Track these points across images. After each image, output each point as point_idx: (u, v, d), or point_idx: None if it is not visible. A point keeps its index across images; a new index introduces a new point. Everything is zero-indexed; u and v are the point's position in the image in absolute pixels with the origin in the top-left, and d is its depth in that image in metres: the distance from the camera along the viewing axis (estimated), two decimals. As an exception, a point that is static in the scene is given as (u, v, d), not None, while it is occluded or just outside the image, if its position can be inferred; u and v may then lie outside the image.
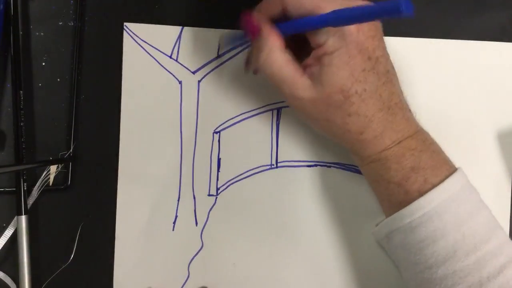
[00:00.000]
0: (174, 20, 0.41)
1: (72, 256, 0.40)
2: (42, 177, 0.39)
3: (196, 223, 0.40)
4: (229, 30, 0.40)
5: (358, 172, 0.40)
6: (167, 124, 0.40)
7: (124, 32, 0.40)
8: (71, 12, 0.40)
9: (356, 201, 0.40)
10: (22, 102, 0.39)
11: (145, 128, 0.40)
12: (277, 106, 0.41)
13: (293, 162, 0.41)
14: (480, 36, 0.41)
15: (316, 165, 0.41)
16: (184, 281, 0.40)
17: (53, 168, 0.39)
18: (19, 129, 0.38)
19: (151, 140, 0.40)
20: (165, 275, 0.40)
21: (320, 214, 0.40)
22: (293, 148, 0.41)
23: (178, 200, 0.40)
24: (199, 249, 0.40)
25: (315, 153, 0.41)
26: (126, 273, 0.40)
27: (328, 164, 0.41)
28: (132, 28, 0.40)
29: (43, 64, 0.40)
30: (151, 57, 0.40)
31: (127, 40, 0.40)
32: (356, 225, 0.40)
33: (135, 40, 0.40)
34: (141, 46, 0.40)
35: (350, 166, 0.40)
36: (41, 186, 0.39)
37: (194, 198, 0.40)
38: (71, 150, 0.40)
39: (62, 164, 0.40)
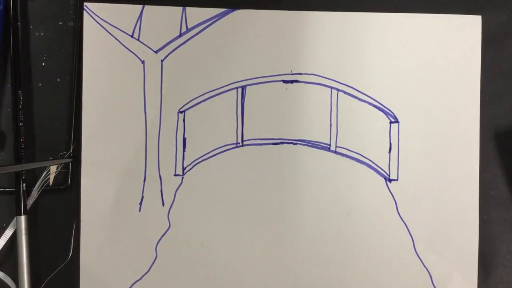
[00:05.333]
0: (135, -2, 0.40)
1: (70, 255, 0.40)
2: (42, 177, 0.39)
3: (163, 204, 0.40)
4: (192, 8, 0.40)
5: (324, 148, 0.40)
6: (131, 104, 0.40)
7: (84, 12, 0.40)
8: (71, 12, 0.40)
9: (321, 177, 0.40)
10: (21, 102, 0.39)
11: (109, 110, 0.40)
12: (242, 84, 0.40)
13: (258, 140, 0.40)
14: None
15: (282, 143, 0.40)
16: (152, 262, 0.40)
17: (53, 168, 0.39)
18: (18, 129, 0.38)
19: (114, 122, 0.40)
20: (133, 256, 0.40)
21: (287, 191, 0.40)
22: (258, 126, 0.40)
23: (144, 181, 0.40)
24: (166, 229, 0.40)
25: (280, 131, 0.40)
26: (93, 256, 0.39)
27: (294, 141, 0.40)
28: (92, 8, 0.40)
29: (43, 64, 0.40)
30: (112, 37, 0.40)
31: (87, 20, 0.40)
32: (323, 200, 0.40)
33: (95, 20, 0.40)
34: (102, 26, 0.40)
35: (315, 143, 0.40)
36: (41, 186, 0.39)
37: (160, 178, 0.40)
38: (71, 150, 0.39)
39: (62, 164, 0.39)
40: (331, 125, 0.41)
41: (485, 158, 0.41)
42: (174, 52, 0.40)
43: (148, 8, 0.40)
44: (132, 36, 0.40)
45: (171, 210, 0.40)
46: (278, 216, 0.40)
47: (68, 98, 0.40)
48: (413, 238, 0.40)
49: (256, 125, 0.40)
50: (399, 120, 0.41)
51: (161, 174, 0.40)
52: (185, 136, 0.40)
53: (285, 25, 0.40)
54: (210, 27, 0.40)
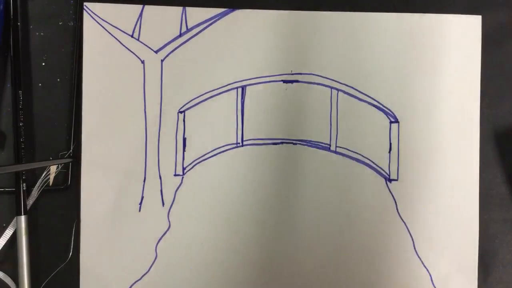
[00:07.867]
0: (135, -2, 0.40)
1: (70, 255, 0.40)
2: (42, 177, 0.39)
3: (163, 204, 0.40)
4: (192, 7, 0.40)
5: (324, 148, 0.40)
6: (131, 104, 0.40)
7: (84, 12, 0.40)
8: (71, 12, 0.40)
9: (321, 177, 0.40)
10: (21, 102, 0.39)
11: (109, 110, 0.40)
12: (242, 84, 0.40)
13: (258, 140, 0.40)
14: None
15: (282, 143, 0.40)
16: (152, 262, 0.40)
17: (53, 168, 0.39)
18: (18, 129, 0.38)
19: (114, 122, 0.40)
20: (133, 256, 0.40)
21: (287, 191, 0.40)
22: (258, 126, 0.40)
23: (144, 181, 0.40)
24: (166, 229, 0.40)
25: (280, 131, 0.40)
26: (93, 256, 0.39)
27: (294, 141, 0.40)
28: (92, 8, 0.40)
29: (43, 64, 0.40)
30: (112, 37, 0.40)
31: (87, 20, 0.40)
32: (323, 200, 0.40)
33: (95, 20, 0.40)
34: (102, 26, 0.40)
35: (315, 143, 0.40)
36: (41, 186, 0.39)
37: (160, 178, 0.40)
38: (71, 150, 0.39)
39: (62, 164, 0.39)
40: (331, 125, 0.41)
41: (485, 158, 0.41)
42: (174, 52, 0.40)
43: (148, 8, 0.40)
44: (132, 36, 0.40)
45: (171, 210, 0.40)
46: (278, 216, 0.40)
47: (68, 98, 0.40)
48: (413, 238, 0.40)
49: (256, 125, 0.40)
50: (399, 120, 0.41)
51: (161, 174, 0.40)
52: (185, 136, 0.40)
53: (285, 25, 0.40)
54: (210, 27, 0.40)
